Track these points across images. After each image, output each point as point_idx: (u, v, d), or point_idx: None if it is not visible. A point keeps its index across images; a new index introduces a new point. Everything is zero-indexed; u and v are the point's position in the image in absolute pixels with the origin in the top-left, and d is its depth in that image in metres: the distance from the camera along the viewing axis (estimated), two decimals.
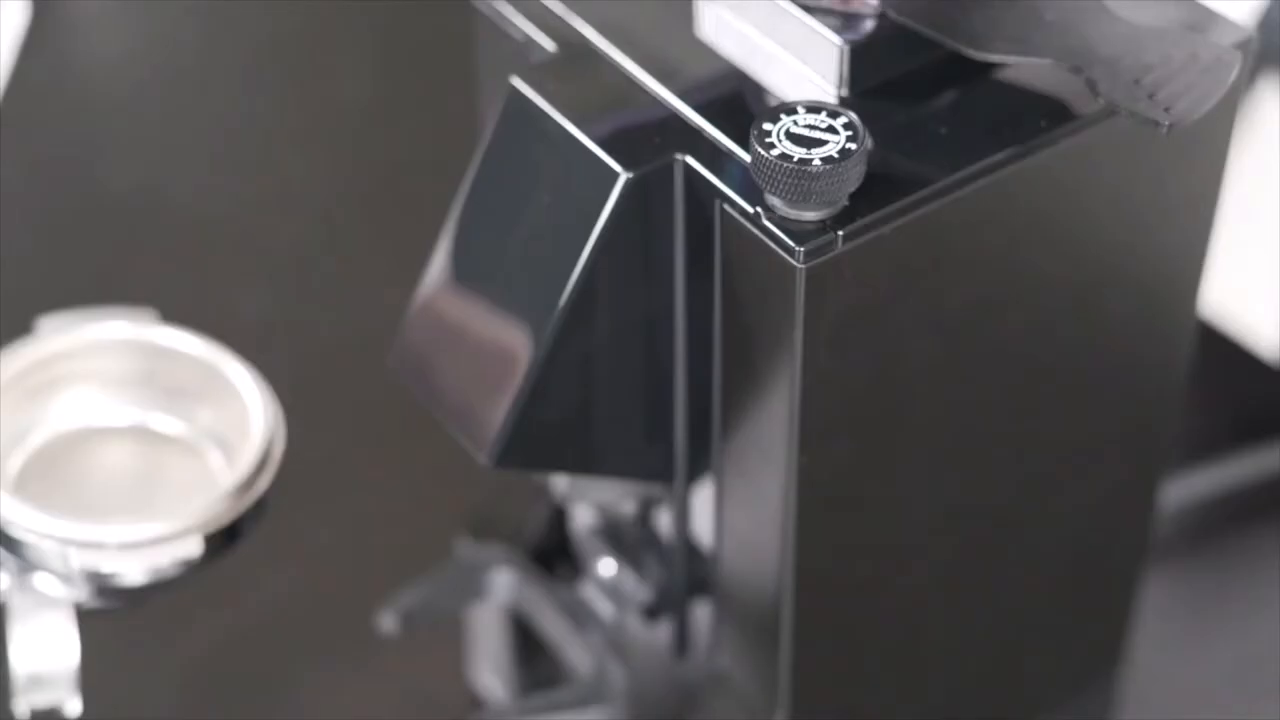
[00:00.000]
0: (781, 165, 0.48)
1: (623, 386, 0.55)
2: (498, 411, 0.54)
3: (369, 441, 0.80)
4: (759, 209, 0.49)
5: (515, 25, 0.56)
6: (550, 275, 0.52)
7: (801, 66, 0.52)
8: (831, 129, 0.49)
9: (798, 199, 0.48)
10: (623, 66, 0.54)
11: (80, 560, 0.58)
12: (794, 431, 0.52)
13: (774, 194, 0.49)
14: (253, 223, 0.91)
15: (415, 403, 0.57)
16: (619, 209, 0.51)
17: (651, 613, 0.63)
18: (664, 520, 0.62)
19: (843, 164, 0.48)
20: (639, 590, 0.63)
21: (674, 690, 0.64)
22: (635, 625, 0.65)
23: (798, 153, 0.48)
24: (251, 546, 0.61)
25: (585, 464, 0.57)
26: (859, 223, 0.49)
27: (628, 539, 0.63)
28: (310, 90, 0.99)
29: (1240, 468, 0.77)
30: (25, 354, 0.62)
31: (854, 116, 0.49)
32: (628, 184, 0.51)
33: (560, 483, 0.62)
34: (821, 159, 0.48)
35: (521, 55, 0.56)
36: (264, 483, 0.60)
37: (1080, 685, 0.67)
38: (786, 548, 0.54)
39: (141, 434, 0.64)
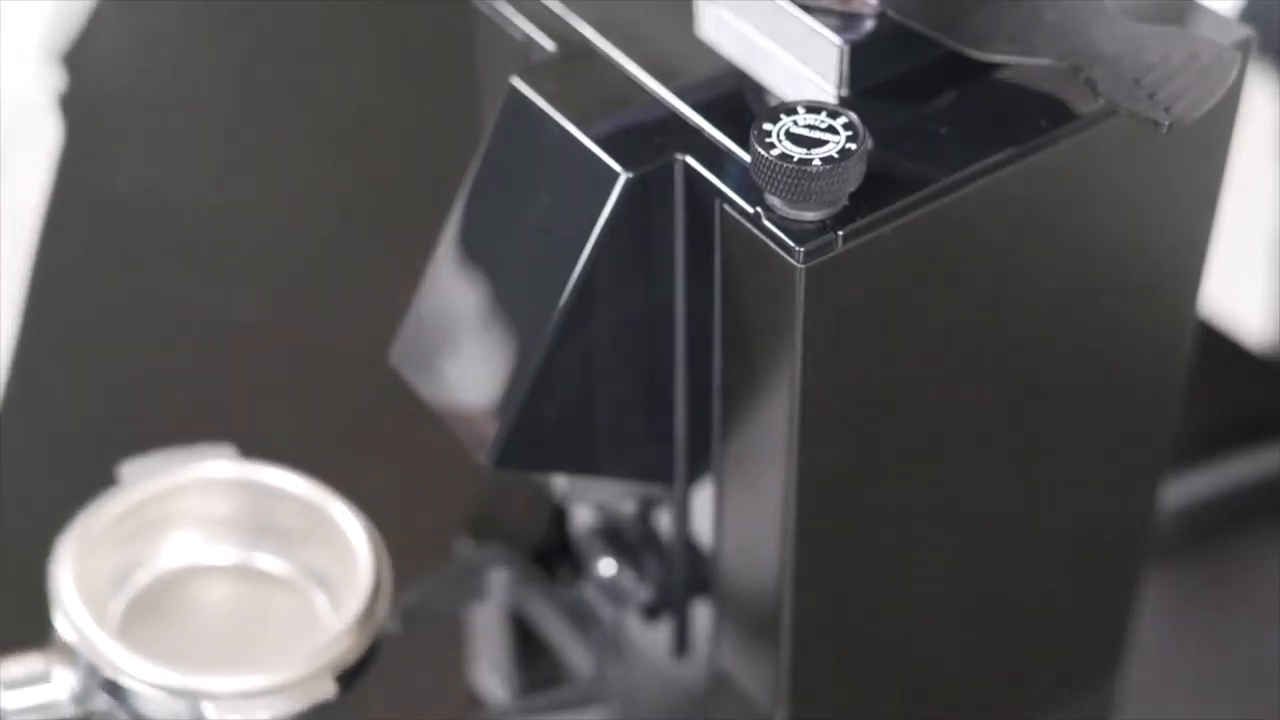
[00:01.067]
0: (781, 165, 0.48)
1: (623, 386, 0.55)
2: (498, 411, 0.54)
3: (369, 441, 0.81)
4: (759, 209, 0.49)
5: (515, 25, 0.56)
6: (550, 275, 0.52)
7: (801, 66, 0.52)
8: (831, 129, 0.49)
9: (798, 199, 0.48)
10: (623, 66, 0.54)
11: (216, 712, 0.58)
12: (794, 431, 0.52)
13: (774, 194, 0.49)
14: (251, 223, 0.91)
15: (415, 402, 0.57)
16: (619, 209, 0.51)
17: (651, 613, 0.63)
18: (664, 520, 0.62)
19: (843, 164, 0.48)
20: (639, 590, 0.63)
21: (674, 690, 0.64)
22: (635, 625, 0.65)
23: (798, 153, 0.48)
24: None
25: (585, 464, 0.57)
26: (859, 223, 0.49)
27: (628, 539, 0.63)
28: (310, 91, 0.99)
29: (1240, 468, 0.77)
30: (125, 496, 0.62)
31: (854, 116, 0.49)
32: (628, 184, 0.51)
33: (560, 483, 0.62)
34: (821, 159, 0.48)
35: (521, 55, 0.56)
36: (380, 616, 0.60)
37: (1080, 685, 0.67)
38: (786, 548, 0.54)
39: (244, 574, 0.64)
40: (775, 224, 0.49)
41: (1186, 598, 0.74)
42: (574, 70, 0.54)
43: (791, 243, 0.48)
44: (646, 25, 0.55)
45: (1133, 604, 0.66)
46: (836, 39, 0.51)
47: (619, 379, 0.55)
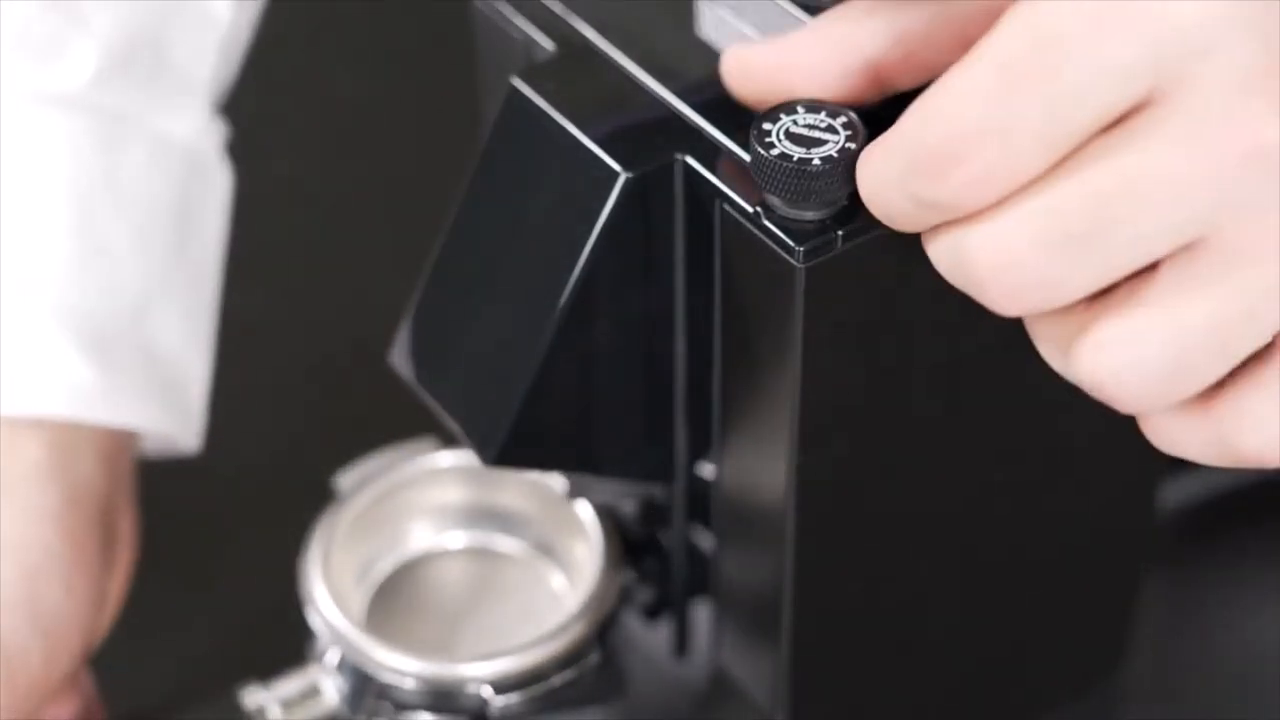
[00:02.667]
0: (781, 165, 0.48)
1: (623, 386, 0.55)
2: (498, 411, 0.54)
3: (368, 441, 0.80)
4: (759, 209, 0.49)
5: (515, 25, 0.56)
6: (550, 275, 0.52)
7: None
8: (831, 128, 0.49)
9: (797, 199, 0.48)
10: (623, 66, 0.54)
11: (490, 698, 0.59)
12: (794, 431, 0.52)
13: (773, 194, 0.49)
14: (251, 222, 0.91)
15: (415, 402, 0.57)
16: (619, 209, 0.51)
17: (651, 613, 0.63)
18: (664, 520, 0.62)
19: (843, 163, 0.48)
20: (639, 590, 0.63)
21: (674, 690, 0.64)
22: (635, 625, 0.65)
23: (797, 152, 0.48)
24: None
25: (585, 464, 0.57)
26: (859, 222, 0.49)
27: (628, 539, 0.63)
28: (309, 90, 0.99)
29: (1240, 467, 0.77)
30: (360, 497, 0.64)
31: (854, 116, 0.49)
32: (628, 184, 0.51)
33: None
34: (821, 158, 0.48)
35: (521, 55, 0.56)
36: (617, 585, 0.61)
37: (1080, 685, 0.67)
38: (786, 548, 0.54)
39: (479, 556, 0.65)
40: (775, 224, 0.49)
41: (1186, 598, 0.74)
42: (574, 70, 0.54)
43: (791, 242, 0.48)
44: (646, 25, 0.55)
45: (1133, 604, 0.66)
46: None
47: (619, 379, 0.55)
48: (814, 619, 0.56)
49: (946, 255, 0.45)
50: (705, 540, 0.60)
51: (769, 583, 0.56)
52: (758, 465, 0.54)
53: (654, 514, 0.62)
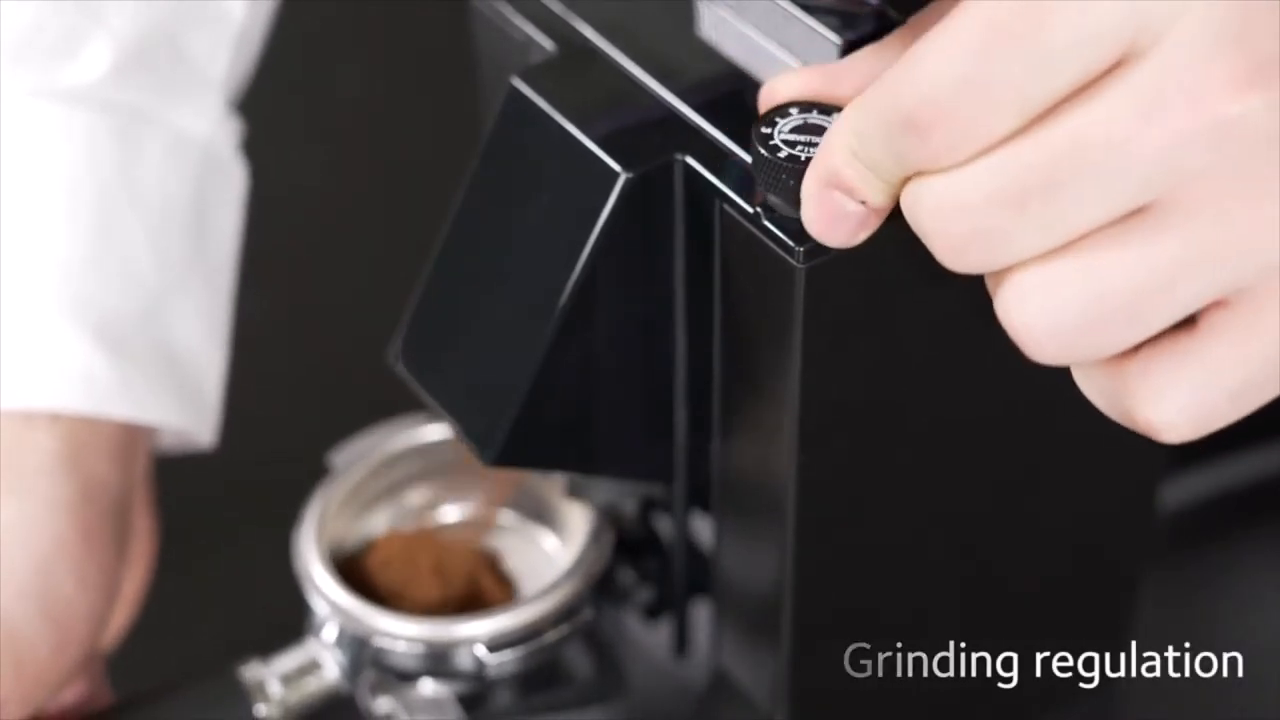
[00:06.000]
0: (782, 165, 0.48)
1: (623, 386, 0.55)
2: (498, 410, 0.54)
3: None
4: (759, 209, 0.49)
5: (515, 25, 0.56)
6: (550, 275, 0.52)
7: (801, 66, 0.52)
8: None
9: (798, 199, 0.48)
10: (623, 66, 0.54)
11: (484, 657, 0.59)
12: (794, 431, 0.52)
13: (774, 194, 0.49)
14: (251, 222, 0.91)
15: (415, 402, 0.57)
16: (619, 209, 0.51)
17: (651, 613, 0.63)
18: (664, 520, 0.62)
19: None
20: (639, 590, 0.63)
21: (674, 690, 0.64)
22: (635, 625, 0.65)
23: (798, 153, 0.48)
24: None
25: (585, 464, 0.57)
26: None
27: (628, 539, 0.63)
28: (310, 90, 0.99)
29: (1240, 468, 0.77)
30: (353, 472, 0.64)
31: None
32: (628, 184, 0.51)
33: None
34: None
35: (521, 55, 0.56)
36: (607, 547, 0.62)
37: (1080, 685, 0.67)
38: (786, 547, 0.54)
39: (475, 525, 0.66)
40: (775, 224, 0.49)
41: (1186, 598, 0.74)
42: (574, 70, 0.54)
43: (791, 242, 0.48)
44: (646, 25, 0.55)
45: (1133, 604, 0.66)
46: (836, 38, 0.51)
47: (619, 378, 0.55)
48: (814, 619, 0.56)
49: (909, 203, 0.44)
50: (705, 539, 0.60)
51: (769, 582, 0.56)
52: (758, 465, 0.54)
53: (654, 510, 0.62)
